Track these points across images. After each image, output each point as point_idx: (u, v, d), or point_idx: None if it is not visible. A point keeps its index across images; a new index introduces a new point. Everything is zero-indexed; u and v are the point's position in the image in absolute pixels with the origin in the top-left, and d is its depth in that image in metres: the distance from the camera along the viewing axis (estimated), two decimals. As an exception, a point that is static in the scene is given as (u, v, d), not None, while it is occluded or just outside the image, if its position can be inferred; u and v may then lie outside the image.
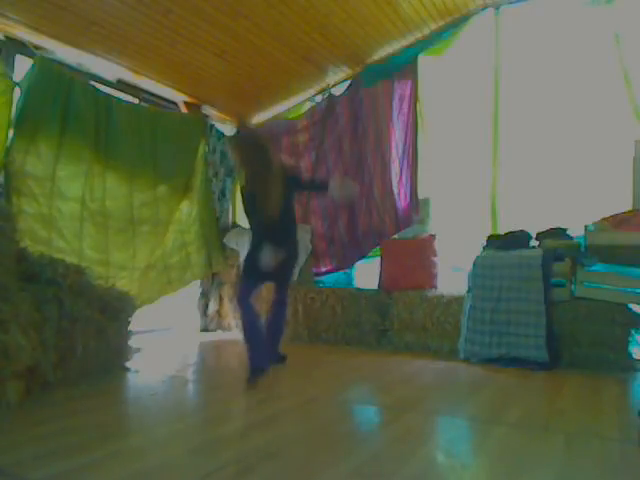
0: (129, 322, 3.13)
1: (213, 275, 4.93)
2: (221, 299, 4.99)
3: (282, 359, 3.24)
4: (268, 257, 2.76)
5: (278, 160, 3.20)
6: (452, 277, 4.21)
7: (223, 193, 5.17)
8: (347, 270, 4.93)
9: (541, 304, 3.27)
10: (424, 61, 4.54)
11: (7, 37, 3.42)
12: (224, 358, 3.85)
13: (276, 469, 1.57)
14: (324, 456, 1.68)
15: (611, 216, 3.42)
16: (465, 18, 4.33)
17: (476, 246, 3.84)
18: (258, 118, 5.35)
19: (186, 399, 2.66)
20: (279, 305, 3.20)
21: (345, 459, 1.65)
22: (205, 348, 4.11)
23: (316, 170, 5.02)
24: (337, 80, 4.95)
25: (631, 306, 3.19)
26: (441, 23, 4.37)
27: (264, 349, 2.89)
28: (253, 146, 2.90)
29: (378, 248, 4.56)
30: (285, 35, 4.08)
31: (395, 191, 4.60)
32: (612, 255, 3.25)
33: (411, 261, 4.21)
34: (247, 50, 4.18)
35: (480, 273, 3.51)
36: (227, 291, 4.96)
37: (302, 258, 4.68)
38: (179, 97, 4.74)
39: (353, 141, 4.85)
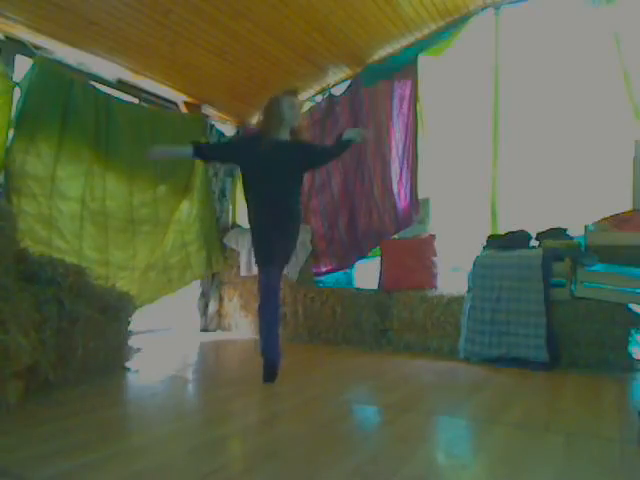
0: (129, 322, 3.13)
1: (213, 275, 4.94)
2: (221, 299, 5.00)
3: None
4: None
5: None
6: (452, 277, 4.21)
7: (223, 193, 5.17)
8: (347, 270, 4.93)
9: (541, 304, 3.27)
10: (424, 61, 4.54)
11: (7, 37, 3.42)
12: (224, 358, 3.85)
13: (276, 469, 1.57)
14: (324, 456, 1.68)
15: (611, 216, 3.42)
16: (465, 18, 4.32)
17: (476, 246, 3.84)
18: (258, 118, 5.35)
19: (186, 399, 2.66)
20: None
21: (345, 459, 1.65)
22: (205, 348, 4.11)
23: (316, 170, 5.02)
24: (337, 80, 4.95)
25: (631, 306, 3.19)
26: (441, 23, 4.37)
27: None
28: None
29: (378, 248, 4.55)
30: (285, 35, 4.08)
31: (395, 191, 4.60)
32: (612, 255, 3.25)
33: (411, 261, 4.21)
34: (247, 50, 4.18)
35: (480, 273, 3.51)
36: (227, 291, 4.96)
37: (302, 258, 4.68)
38: (179, 97, 4.74)
39: (353, 141, 4.84)
